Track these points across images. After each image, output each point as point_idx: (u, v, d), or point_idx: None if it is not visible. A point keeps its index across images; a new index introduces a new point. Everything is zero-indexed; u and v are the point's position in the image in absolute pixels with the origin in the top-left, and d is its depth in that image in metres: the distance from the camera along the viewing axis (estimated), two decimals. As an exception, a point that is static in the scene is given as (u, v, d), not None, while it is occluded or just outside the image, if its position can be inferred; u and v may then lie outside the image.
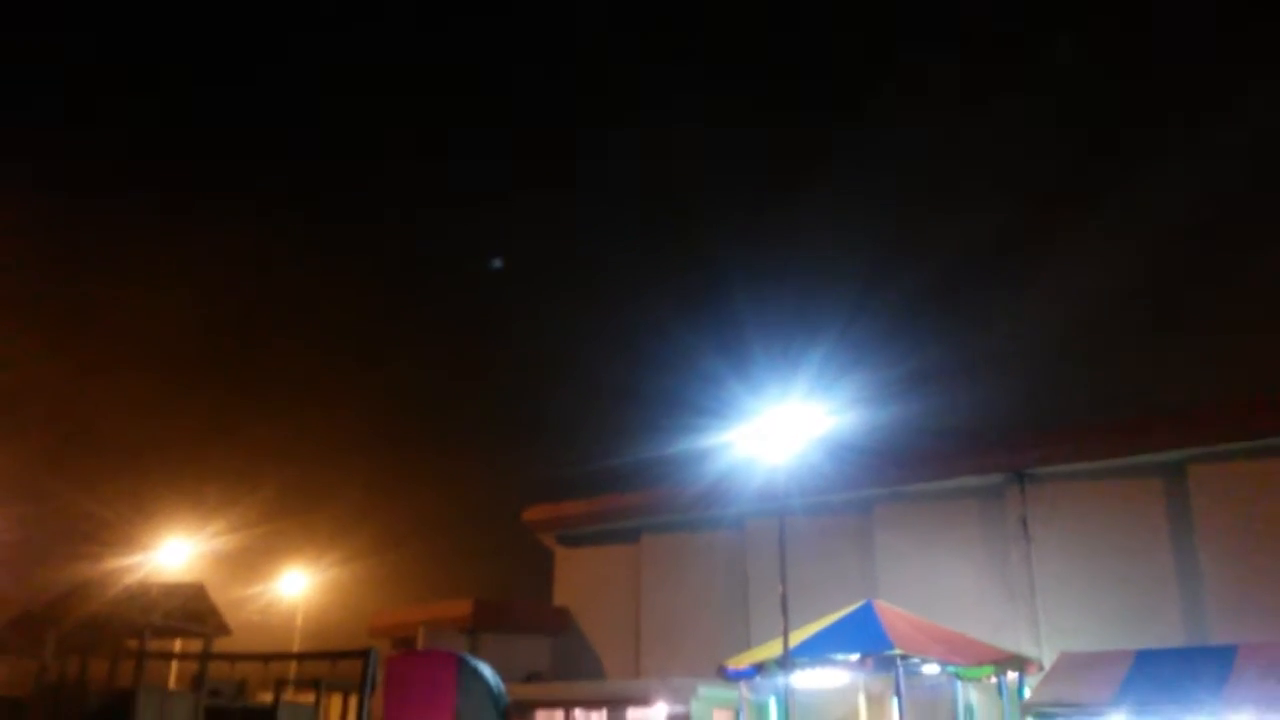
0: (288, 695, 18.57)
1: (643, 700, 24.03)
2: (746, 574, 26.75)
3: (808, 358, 19.97)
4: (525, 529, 32.95)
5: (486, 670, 7.26)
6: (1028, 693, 19.00)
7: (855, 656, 18.18)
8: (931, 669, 18.23)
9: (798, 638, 18.31)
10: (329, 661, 16.37)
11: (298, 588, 35.59)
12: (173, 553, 28.44)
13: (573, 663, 29.00)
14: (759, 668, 19.29)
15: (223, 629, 17.29)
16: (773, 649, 19.23)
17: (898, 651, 17.56)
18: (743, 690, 20.41)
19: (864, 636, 18.43)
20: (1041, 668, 19.36)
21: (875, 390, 20.83)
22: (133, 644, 16.54)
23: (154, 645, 16.91)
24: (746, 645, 22.79)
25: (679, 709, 23.28)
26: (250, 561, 34.18)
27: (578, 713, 24.47)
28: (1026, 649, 20.63)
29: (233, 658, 16.06)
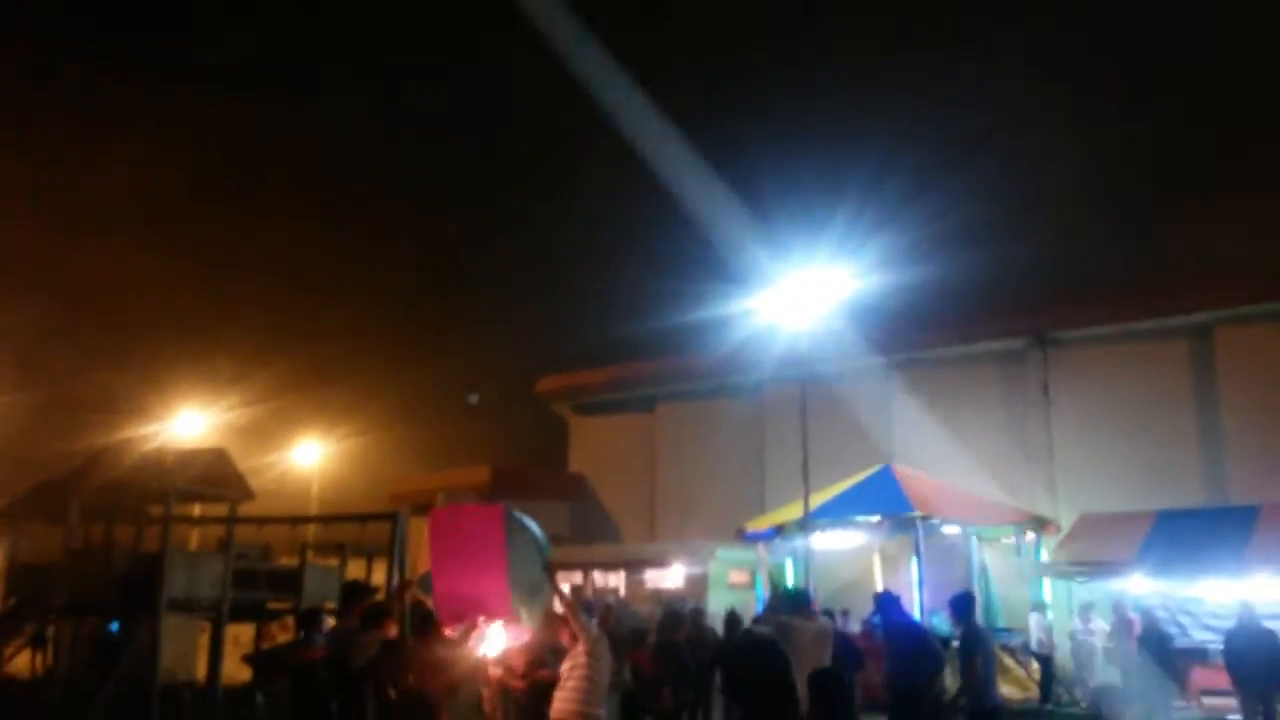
0: (311, 559, 18.76)
1: (660, 562, 24.41)
2: (763, 441, 26.80)
3: (831, 219, 19.54)
4: (540, 399, 32.99)
5: (531, 522, 7.09)
6: (1044, 553, 19.19)
7: (875, 518, 18.31)
8: (951, 530, 18.35)
9: (816, 501, 18.35)
10: (356, 525, 16.48)
11: (313, 458, 35.93)
12: (187, 423, 28.61)
13: (590, 528, 29.37)
14: (778, 530, 19.46)
15: (247, 493, 17.36)
16: (792, 511, 19.36)
17: (917, 513, 17.64)
18: (760, 552, 20.64)
19: (883, 498, 18.51)
20: (1059, 529, 19.47)
21: (899, 252, 20.42)
22: (157, 509, 16.61)
23: (178, 510, 16.96)
24: (761, 511, 22.96)
25: (696, 570, 23.65)
26: (265, 433, 34.40)
27: (596, 574, 24.88)
28: (1044, 512, 20.71)
29: (259, 521, 16.12)
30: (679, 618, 12.49)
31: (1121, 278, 23.68)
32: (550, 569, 7.27)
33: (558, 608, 7.32)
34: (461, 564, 7.08)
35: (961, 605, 9.20)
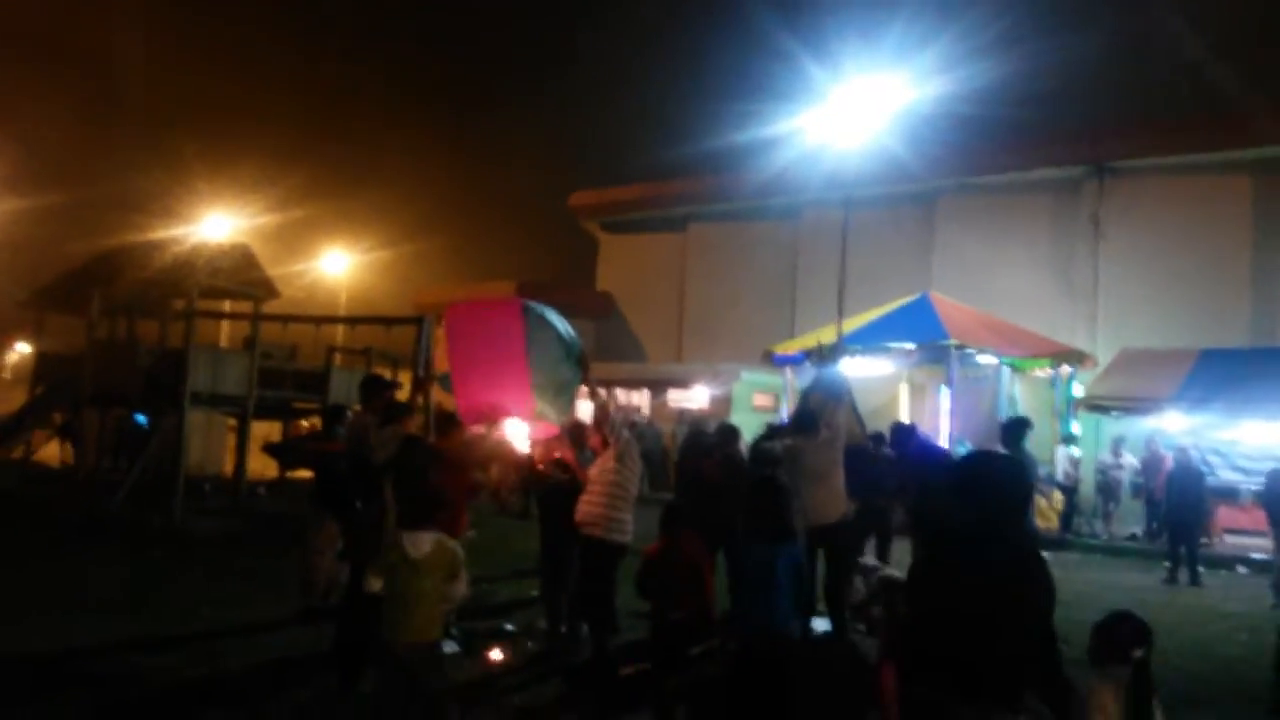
0: (338, 362, 18.66)
1: (684, 382, 24.34)
2: (796, 265, 26.21)
3: (885, 26, 18.26)
4: (571, 214, 32.30)
5: (554, 316, 6.61)
6: (1077, 387, 18.82)
7: (909, 345, 17.87)
8: (987, 359, 17.92)
9: (850, 326, 17.92)
10: (381, 330, 16.22)
11: (341, 267, 35.78)
12: (214, 226, 28.26)
13: (616, 347, 29.24)
14: (808, 354, 19.07)
15: (271, 291, 17.12)
16: (825, 336, 18.96)
17: (953, 341, 17.16)
18: (788, 375, 20.36)
19: (919, 326, 18.00)
20: (1097, 364, 19.02)
21: (952, 63, 19.19)
22: (181, 304, 16.41)
23: (203, 306, 16.78)
24: (791, 336, 22.59)
25: (720, 391, 23.55)
26: (293, 241, 34.16)
27: (619, 392, 24.86)
28: (1083, 347, 20.19)
29: (284, 319, 15.87)
30: (703, 434, 12.26)
31: (1188, 107, 22.25)
32: (584, 364, 6.87)
33: (589, 410, 6.99)
34: (480, 362, 6.65)
35: (1013, 430, 8.80)
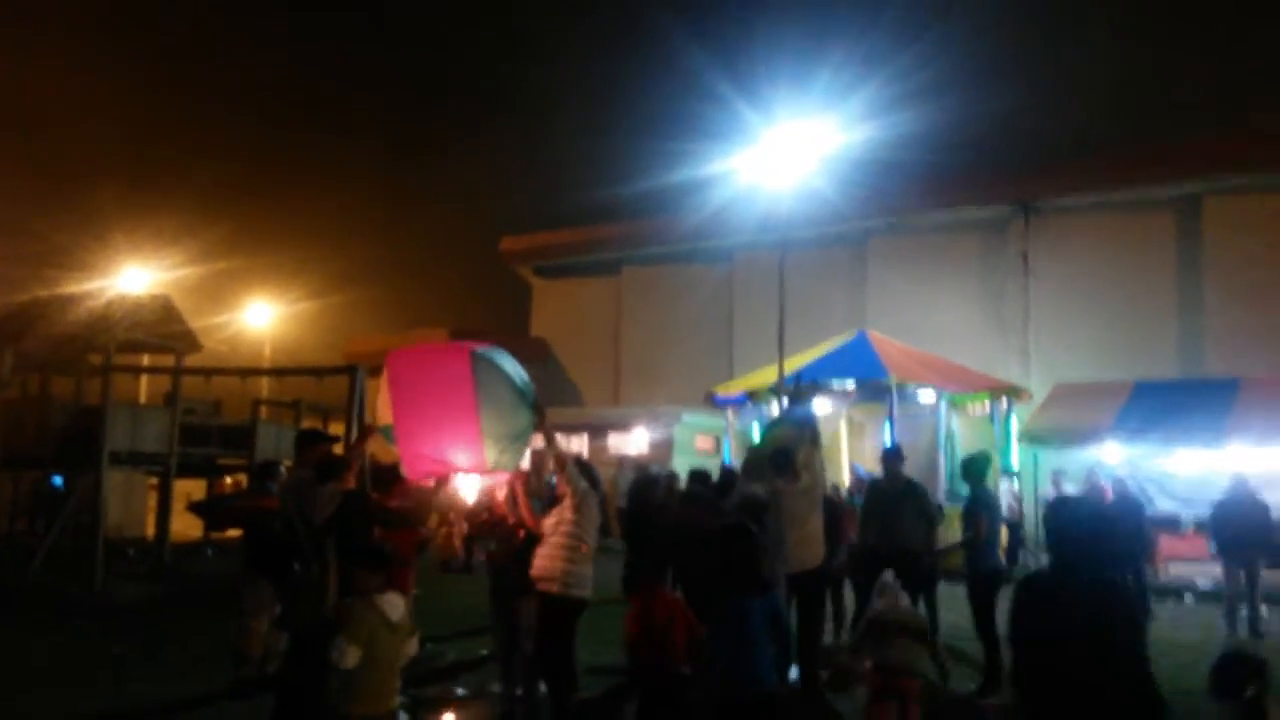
0: (264, 415, 18.00)
1: (624, 426, 24.02)
2: (732, 307, 26.21)
3: (815, 71, 18.46)
4: (502, 261, 31.97)
5: (504, 360, 6.26)
6: (1014, 422, 18.96)
7: (849, 383, 17.86)
8: (926, 396, 17.96)
9: (789, 366, 17.86)
10: (312, 381, 15.66)
11: (265, 319, 34.81)
12: (132, 279, 27.30)
13: (552, 393, 28.82)
14: (750, 395, 18.97)
15: (193, 344, 16.44)
16: (764, 377, 18.88)
17: (893, 378, 17.20)
18: (729, 417, 20.22)
19: (858, 364, 18.02)
20: (1032, 398, 19.20)
21: (882, 107, 19.46)
22: (97, 359, 15.64)
23: (121, 362, 16.03)
24: (729, 378, 22.50)
25: (660, 434, 23.29)
26: (215, 293, 33.20)
27: (558, 436, 24.42)
28: (1016, 382, 20.42)
29: (207, 372, 15.25)
30: (652, 480, 11.97)
31: (1110, 146, 22.87)
32: (539, 409, 6.53)
33: (542, 455, 6.66)
34: (427, 412, 6.25)
35: (977, 466, 8.73)
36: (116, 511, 18.43)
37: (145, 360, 19.04)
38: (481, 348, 6.47)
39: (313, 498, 6.15)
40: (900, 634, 5.74)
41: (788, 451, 8.96)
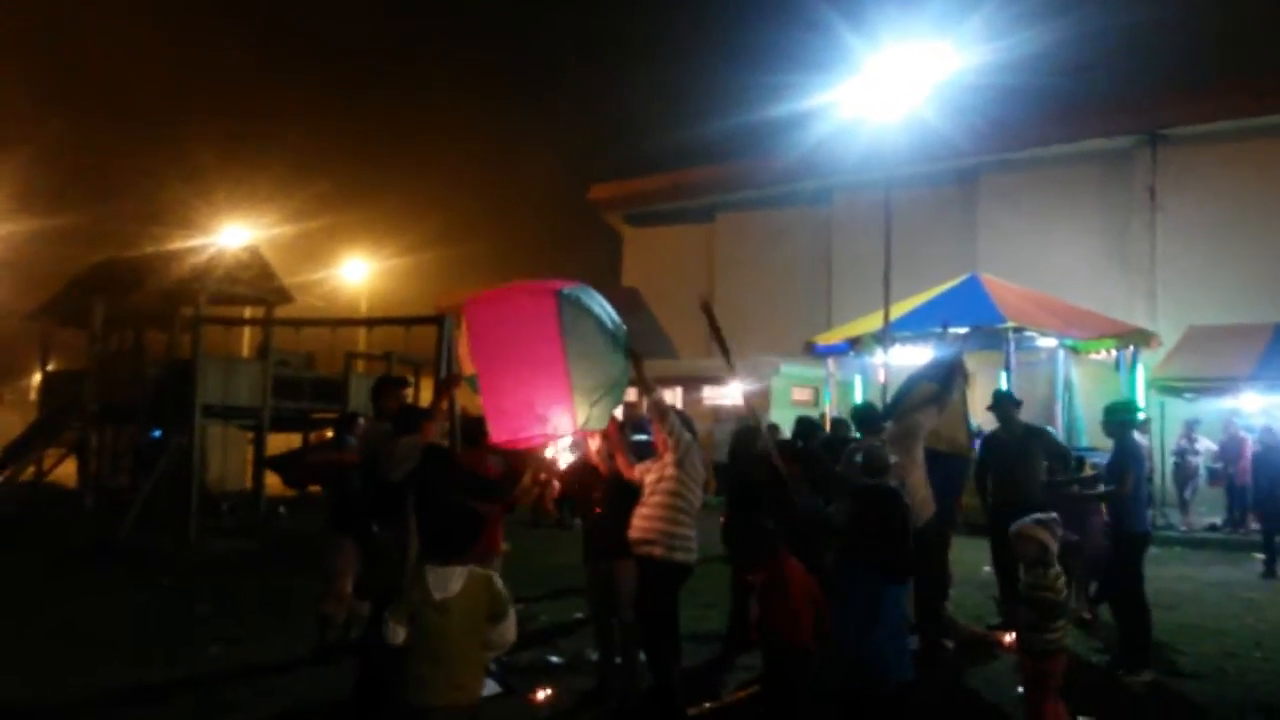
0: (358, 368, 17.80)
1: (718, 378, 23.28)
2: (830, 251, 25.13)
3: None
4: (593, 209, 31.34)
5: (594, 300, 5.59)
6: (1140, 370, 17.66)
7: (962, 330, 16.77)
8: (1046, 342, 16.81)
9: (895, 313, 16.86)
10: (402, 331, 15.30)
11: (361, 275, 35.00)
12: (232, 237, 27.50)
13: (644, 344, 28.07)
14: (852, 343, 18.04)
15: (285, 296, 16.24)
16: (867, 324, 17.92)
17: (1010, 324, 16.06)
18: (830, 367, 19.34)
19: (971, 309, 16.89)
20: (1161, 344, 17.85)
21: (991, 31, 18.04)
22: (189, 312, 15.55)
23: (214, 313, 15.90)
24: (827, 326, 21.54)
25: (756, 386, 22.51)
26: (312, 250, 33.38)
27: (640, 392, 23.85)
28: (1142, 325, 19.02)
29: (297, 323, 14.91)
30: (753, 432, 11.28)
31: (1244, 68, 20.98)
32: (634, 355, 5.86)
33: (635, 406, 6.00)
34: (508, 366, 5.59)
35: (1120, 415, 7.76)
36: (215, 465, 18.53)
37: (248, 313, 19.03)
38: (567, 287, 5.78)
39: (389, 452, 5.63)
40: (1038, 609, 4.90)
41: (870, 405, 8.23)
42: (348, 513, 6.83)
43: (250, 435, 17.93)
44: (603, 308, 5.85)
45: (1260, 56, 24.25)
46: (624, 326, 5.85)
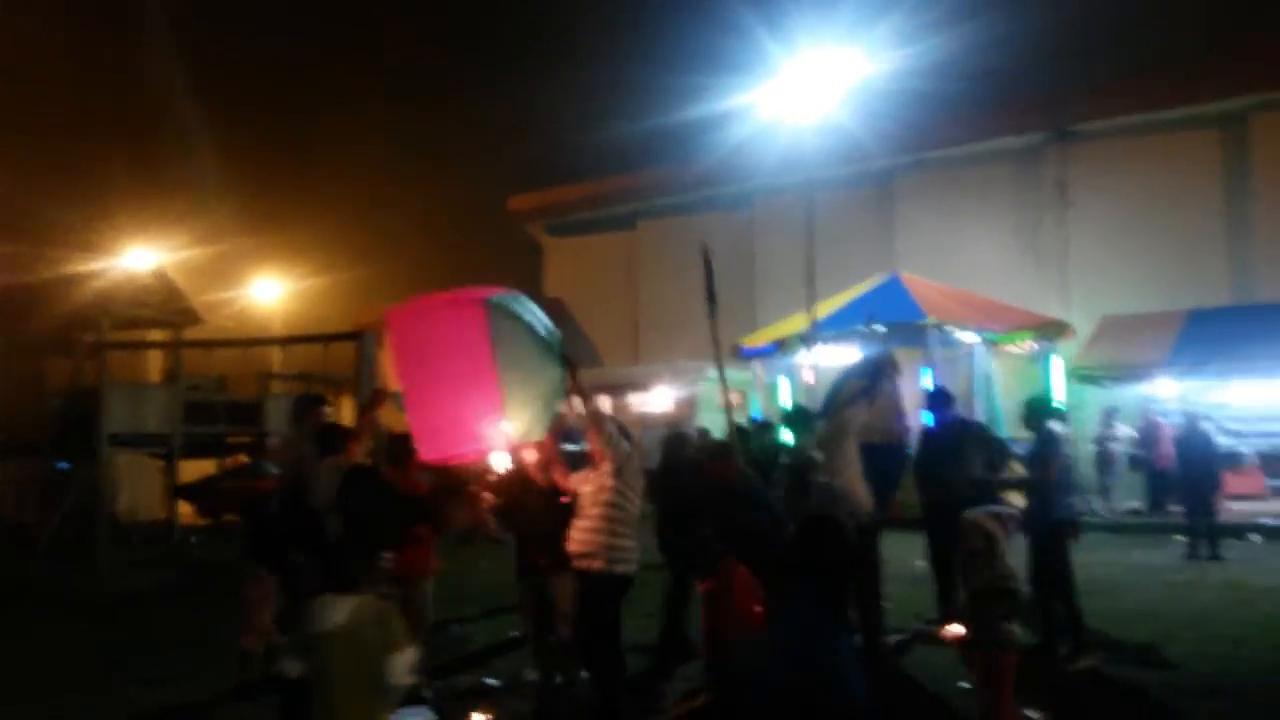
0: (274, 389, 17.24)
1: (645, 385, 23.18)
2: (753, 255, 25.20)
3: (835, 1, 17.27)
4: (512, 221, 30.99)
5: (524, 306, 5.36)
6: (1056, 360, 18.00)
7: (885, 327, 16.92)
8: (967, 337, 17.03)
9: (819, 313, 16.94)
10: (320, 353, 14.87)
11: (273, 295, 34.01)
12: (137, 259, 26.50)
13: (570, 353, 27.92)
14: (779, 344, 18.07)
15: (192, 317, 15.65)
16: (792, 325, 17.99)
17: (931, 320, 16.26)
18: (757, 370, 19.35)
19: (893, 307, 17.06)
20: (1075, 334, 18.21)
21: (902, 36, 18.28)
22: (91, 338, 14.88)
23: (119, 339, 15.25)
24: (752, 330, 21.56)
25: (685, 392, 22.45)
26: (221, 273, 32.31)
27: (576, 399, 23.65)
28: (1057, 317, 19.40)
29: (208, 344, 14.47)
30: (683, 437, 11.16)
31: (1148, 63, 21.59)
32: (570, 365, 5.67)
33: (576, 411, 5.80)
34: (437, 379, 5.33)
35: (1039, 407, 7.89)
36: (126, 496, 17.77)
37: (149, 338, 18.30)
38: (496, 294, 5.56)
39: (311, 475, 5.33)
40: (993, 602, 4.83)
41: (802, 407, 8.21)
42: (265, 541, 6.48)
43: (162, 464, 17.24)
44: (534, 314, 5.66)
45: (1163, 52, 25.01)
46: (557, 332, 5.66)
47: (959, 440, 8.42)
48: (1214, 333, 15.87)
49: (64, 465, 15.95)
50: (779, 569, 4.25)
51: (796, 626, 3.89)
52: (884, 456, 7.86)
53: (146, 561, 13.22)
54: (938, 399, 8.80)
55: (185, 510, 15.12)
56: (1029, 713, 5.18)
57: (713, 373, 21.06)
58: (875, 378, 7.85)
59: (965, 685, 5.98)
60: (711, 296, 6.14)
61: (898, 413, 8.37)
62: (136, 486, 18.47)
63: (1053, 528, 7.41)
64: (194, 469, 16.95)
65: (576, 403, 6.29)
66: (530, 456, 6.05)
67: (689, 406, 21.90)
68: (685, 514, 8.02)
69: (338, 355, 14.87)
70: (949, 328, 16.56)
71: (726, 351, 19.44)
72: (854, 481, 7.19)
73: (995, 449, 8.50)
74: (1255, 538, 13.28)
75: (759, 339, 18.86)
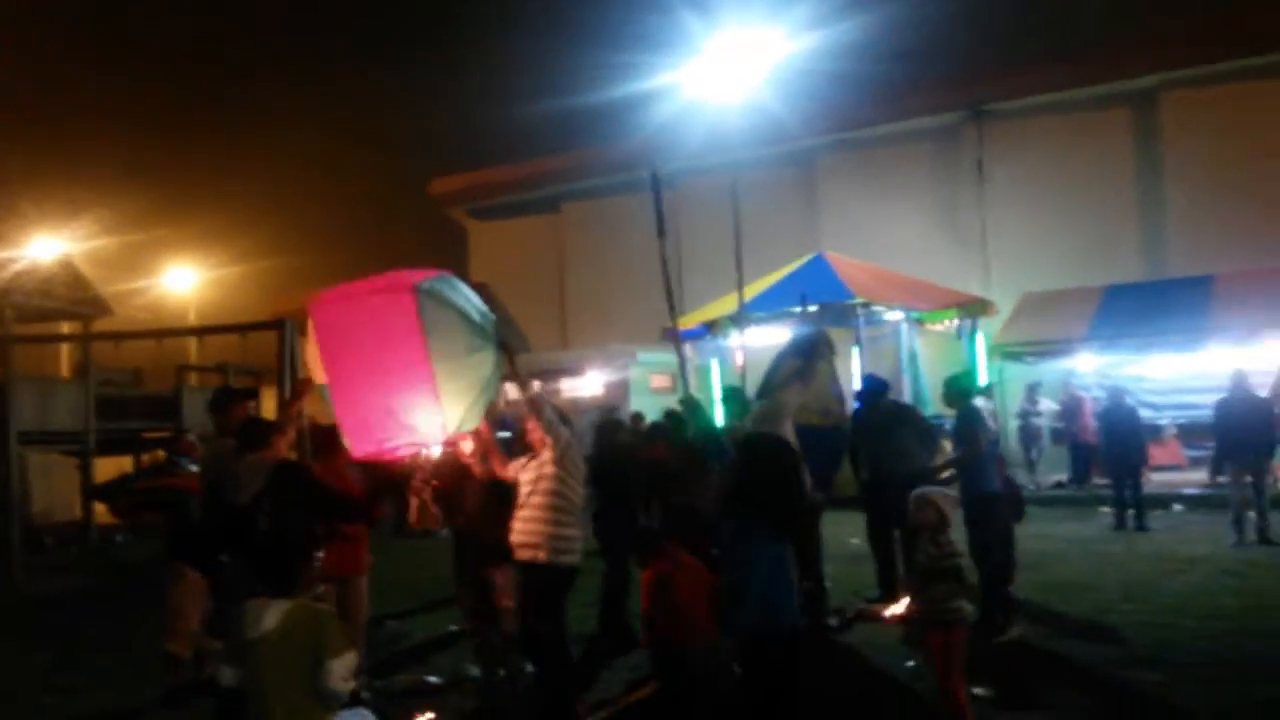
0: (192, 382, 16.69)
1: (576, 370, 22.99)
2: (679, 237, 25.14)
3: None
4: (435, 204, 30.47)
5: (456, 290, 5.15)
6: (980, 337, 18.31)
7: (814, 308, 17.01)
8: (893, 315, 17.22)
9: (747, 294, 16.95)
10: (238, 341, 14.36)
11: (187, 285, 32.95)
12: (43, 249, 25.39)
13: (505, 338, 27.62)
14: (709, 326, 18.06)
15: (102, 307, 15.04)
16: (721, 307, 17.98)
17: (859, 300, 16.40)
18: (687, 352, 19.25)
19: (820, 287, 17.15)
20: (999, 311, 18.54)
21: (824, 16, 18.34)
22: (-3, 331, 14.17)
23: (25, 331, 14.55)
24: (681, 311, 21.46)
25: (615, 376, 22.32)
26: (132, 261, 31.16)
27: (508, 386, 23.39)
28: (977, 294, 19.74)
29: (119, 336, 13.79)
30: (616, 423, 11.07)
31: (1061, 43, 22.02)
32: (506, 347, 5.48)
33: (510, 397, 5.64)
34: (365, 370, 5.10)
35: (961, 384, 8.03)
36: (40, 496, 17.02)
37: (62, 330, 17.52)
38: (426, 279, 5.33)
39: (234, 472, 5.08)
40: (945, 579, 4.86)
41: (736, 388, 8.21)
42: (189, 542, 6.20)
43: (77, 462, 16.57)
44: (467, 298, 5.45)
45: (1075, 32, 25.54)
46: (491, 316, 5.46)
47: (892, 420, 8.50)
48: (1130, 307, 16.26)
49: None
50: (727, 501, 4.26)
51: (750, 553, 3.93)
52: (823, 437, 7.84)
53: (63, 565, 12.68)
54: (874, 391, 8.81)
55: (103, 510, 14.54)
56: (974, 690, 5.20)
57: (642, 355, 20.95)
58: (810, 357, 7.83)
59: (910, 664, 6.01)
60: (661, 226, 5.98)
61: (835, 393, 8.36)
62: (51, 486, 17.70)
63: (983, 500, 7.47)
64: (111, 466, 16.32)
65: (511, 389, 6.15)
66: (466, 446, 5.88)
67: (620, 390, 21.78)
68: (623, 500, 7.98)
69: (257, 345, 14.37)
70: (876, 307, 16.74)
71: (655, 335, 19.48)
72: None
73: (925, 429, 8.61)
74: (1178, 507, 13.63)
75: (689, 321, 18.78)
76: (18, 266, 14.80)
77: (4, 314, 13.42)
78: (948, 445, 9.18)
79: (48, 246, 25.03)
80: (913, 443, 8.32)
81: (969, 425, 7.69)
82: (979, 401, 15.77)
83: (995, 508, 7.44)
